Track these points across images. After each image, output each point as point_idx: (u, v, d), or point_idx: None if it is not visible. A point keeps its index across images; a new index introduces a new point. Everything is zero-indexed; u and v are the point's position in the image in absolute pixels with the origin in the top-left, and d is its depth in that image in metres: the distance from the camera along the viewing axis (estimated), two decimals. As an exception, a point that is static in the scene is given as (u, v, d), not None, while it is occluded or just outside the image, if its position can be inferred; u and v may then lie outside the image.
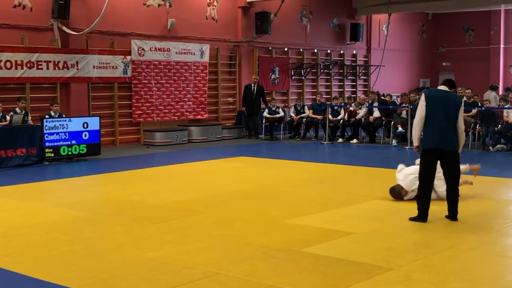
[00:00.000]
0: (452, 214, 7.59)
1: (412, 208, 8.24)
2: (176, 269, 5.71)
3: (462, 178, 8.51)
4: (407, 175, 8.67)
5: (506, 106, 15.23)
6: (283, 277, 5.46)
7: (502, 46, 26.65)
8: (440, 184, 8.36)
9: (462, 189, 9.16)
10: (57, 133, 13.25)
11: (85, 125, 13.79)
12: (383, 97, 18.49)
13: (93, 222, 7.77)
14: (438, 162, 7.60)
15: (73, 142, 13.54)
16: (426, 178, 7.56)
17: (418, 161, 8.29)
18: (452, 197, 7.61)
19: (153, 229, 7.31)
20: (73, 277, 5.52)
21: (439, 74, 28.55)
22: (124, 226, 7.50)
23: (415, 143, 7.60)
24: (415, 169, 8.44)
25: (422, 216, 7.50)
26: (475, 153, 14.66)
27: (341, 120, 17.63)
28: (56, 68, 15.15)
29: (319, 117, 18.06)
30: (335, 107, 18.05)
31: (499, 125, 15.09)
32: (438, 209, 8.19)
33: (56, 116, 13.69)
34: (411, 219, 7.55)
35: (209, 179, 11.18)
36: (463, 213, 7.98)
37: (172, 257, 6.08)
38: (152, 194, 9.63)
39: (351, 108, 17.84)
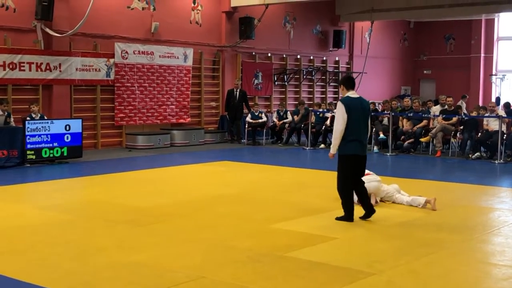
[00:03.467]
0: (370, 211, 7.92)
1: (394, 214, 8.35)
2: (160, 272, 5.72)
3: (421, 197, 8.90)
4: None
5: (486, 114, 15.42)
6: (267, 281, 5.50)
7: (482, 55, 26.96)
8: (401, 197, 9.01)
9: (440, 198, 9.29)
10: (39, 135, 13.17)
11: (67, 127, 13.72)
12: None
13: (76, 224, 7.75)
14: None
15: (55, 144, 13.46)
16: (348, 182, 7.88)
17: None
18: (366, 195, 8.01)
19: (137, 232, 7.30)
20: (56, 279, 5.51)
21: (420, 82, 28.83)
22: (107, 229, 7.49)
23: (333, 151, 7.91)
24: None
25: (349, 216, 7.86)
26: (455, 161, 14.83)
27: (324, 126, 17.72)
28: (39, 69, 15.06)
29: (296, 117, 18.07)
30: (318, 113, 18.15)
31: (479, 134, 15.27)
32: (420, 215, 8.31)
33: (38, 118, 13.61)
34: (338, 218, 7.90)
35: (192, 183, 11.19)
36: (443, 220, 8.11)
37: (155, 261, 6.09)
38: (135, 197, 9.62)
39: (333, 114, 17.93)
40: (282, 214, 8.40)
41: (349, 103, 7.76)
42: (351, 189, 7.91)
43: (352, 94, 7.92)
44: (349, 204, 7.90)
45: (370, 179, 9.02)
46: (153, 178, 11.73)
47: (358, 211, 8.18)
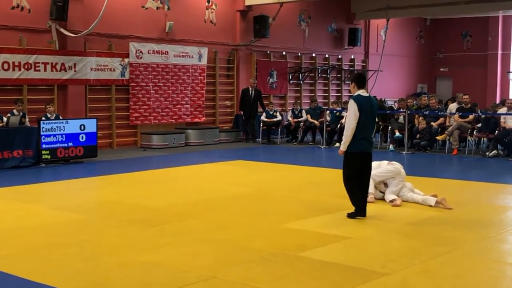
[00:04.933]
0: (364, 210, 7.95)
1: (408, 213, 8.26)
2: (172, 272, 5.69)
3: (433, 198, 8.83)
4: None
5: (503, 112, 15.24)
6: (279, 281, 5.45)
7: (499, 52, 26.70)
8: (413, 196, 8.94)
9: (456, 196, 9.21)
10: (54, 135, 13.23)
11: (82, 127, 13.76)
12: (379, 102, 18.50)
13: (89, 224, 7.76)
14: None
15: (70, 144, 13.51)
16: (353, 179, 7.94)
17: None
18: (366, 194, 8.09)
19: (149, 232, 7.29)
20: (68, 280, 5.50)
21: (437, 80, 28.62)
22: (120, 229, 7.48)
23: (344, 148, 7.90)
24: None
25: (360, 211, 7.88)
26: (472, 159, 14.68)
27: (339, 125, 17.63)
28: (54, 70, 15.13)
29: (317, 122, 18.07)
30: (334, 112, 18.06)
31: (496, 131, 15.09)
32: (435, 214, 8.22)
33: (53, 118, 13.67)
34: (349, 216, 7.91)
35: (206, 182, 11.16)
36: (459, 219, 8.01)
37: (168, 261, 6.07)
38: (148, 197, 9.61)
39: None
40: (296, 213, 8.35)
41: (361, 102, 7.83)
42: (357, 184, 7.92)
43: (363, 92, 7.97)
44: (356, 200, 7.93)
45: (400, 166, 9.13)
46: (167, 178, 11.73)
47: (371, 208, 8.12)
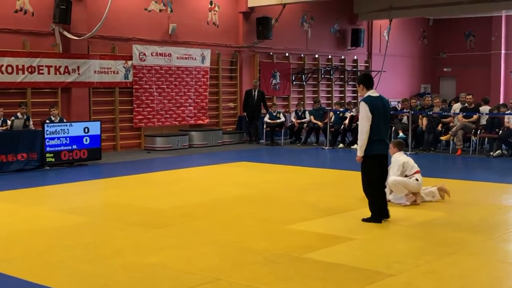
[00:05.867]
0: (383, 214, 7.79)
1: (414, 214, 8.24)
2: (177, 274, 5.69)
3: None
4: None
5: (507, 112, 15.21)
6: (283, 283, 5.44)
7: (503, 52, 26.64)
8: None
9: (461, 196, 9.20)
10: (58, 138, 13.24)
11: (86, 130, 13.78)
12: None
13: (94, 227, 7.76)
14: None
15: (74, 147, 13.53)
16: (376, 182, 7.73)
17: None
18: (385, 197, 7.95)
19: (154, 234, 7.29)
20: (73, 282, 5.51)
21: (440, 80, 28.57)
22: (124, 231, 7.49)
23: (361, 153, 7.63)
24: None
25: (377, 217, 7.70)
26: (476, 159, 14.64)
27: (342, 126, 17.62)
28: (57, 73, 15.15)
29: (320, 123, 18.09)
30: (338, 112, 18.05)
31: (500, 131, 15.06)
32: (440, 215, 8.20)
33: (57, 121, 13.70)
34: (364, 220, 7.74)
35: (210, 184, 11.17)
36: (464, 219, 7.99)
37: (172, 263, 6.07)
38: (152, 199, 9.62)
39: (352, 114, 17.82)
40: (300, 214, 8.33)
41: (372, 103, 7.59)
42: (378, 189, 7.75)
43: (372, 93, 7.73)
44: (377, 205, 7.73)
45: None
46: (171, 180, 11.73)
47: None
